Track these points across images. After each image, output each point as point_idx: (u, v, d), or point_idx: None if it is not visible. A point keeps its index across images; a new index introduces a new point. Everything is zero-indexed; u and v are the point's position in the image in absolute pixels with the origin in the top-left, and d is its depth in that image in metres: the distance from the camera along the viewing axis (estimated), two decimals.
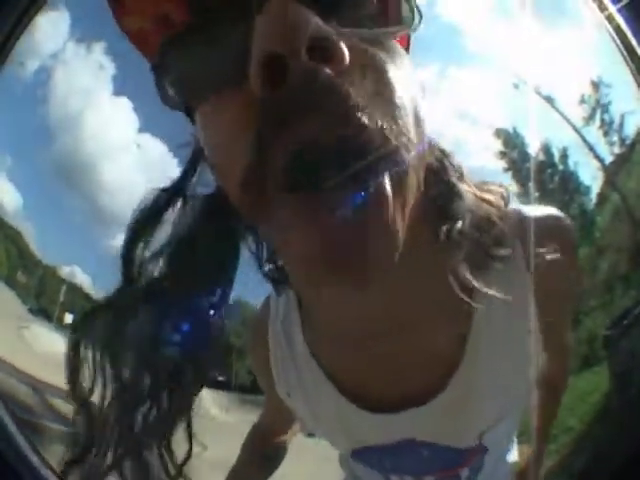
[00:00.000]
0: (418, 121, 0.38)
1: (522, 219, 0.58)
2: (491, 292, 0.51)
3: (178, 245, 0.58)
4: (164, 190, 0.59)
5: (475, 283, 0.50)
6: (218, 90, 0.38)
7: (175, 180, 0.60)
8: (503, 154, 2.99)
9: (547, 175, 3.02)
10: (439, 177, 0.52)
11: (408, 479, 0.77)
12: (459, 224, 0.50)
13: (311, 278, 0.40)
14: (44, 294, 3.49)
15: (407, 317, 0.54)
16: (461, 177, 0.56)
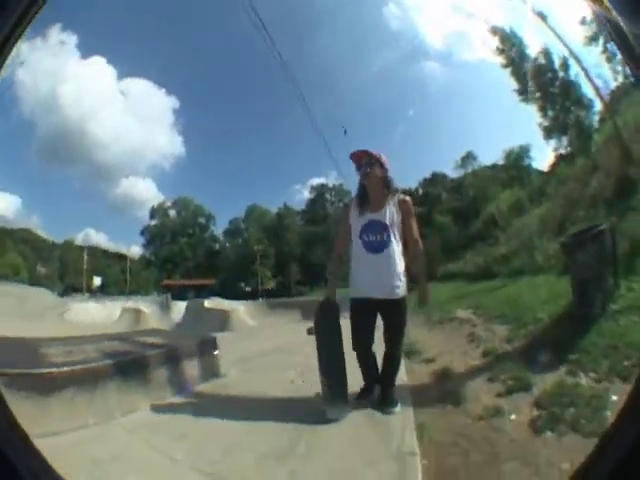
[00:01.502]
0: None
1: (401, 196, 3.33)
2: (390, 210, 3.23)
3: None
4: None
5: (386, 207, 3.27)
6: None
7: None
8: (501, 51, 9.46)
9: (547, 78, 8.10)
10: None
11: (371, 236, 3.26)
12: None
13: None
14: (67, 272, 12.11)
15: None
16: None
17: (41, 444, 2.33)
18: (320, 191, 44.41)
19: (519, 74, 16.40)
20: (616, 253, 3.87)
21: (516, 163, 22.14)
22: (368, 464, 2.53)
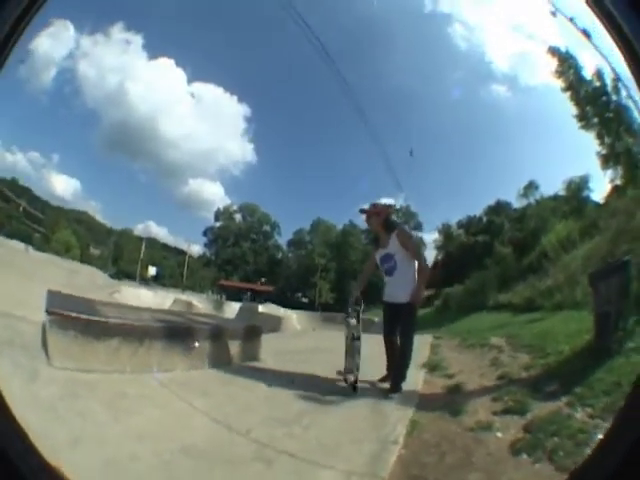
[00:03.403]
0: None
1: (398, 231, 4.35)
2: (393, 243, 4.27)
3: None
4: None
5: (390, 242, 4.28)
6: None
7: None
8: (560, 73, 8.47)
9: (602, 102, 7.54)
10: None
11: (385, 265, 4.44)
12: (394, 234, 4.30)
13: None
14: (121, 258, 12.51)
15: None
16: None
17: (77, 377, 3.21)
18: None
19: (578, 98, 15.00)
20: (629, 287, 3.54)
21: (576, 194, 20.52)
22: (353, 442, 2.76)
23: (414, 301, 4.10)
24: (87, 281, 9.64)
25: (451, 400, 3.54)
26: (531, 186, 25.53)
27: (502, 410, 3.07)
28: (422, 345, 6.15)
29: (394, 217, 4.50)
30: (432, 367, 4.81)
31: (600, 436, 2.21)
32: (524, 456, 2.35)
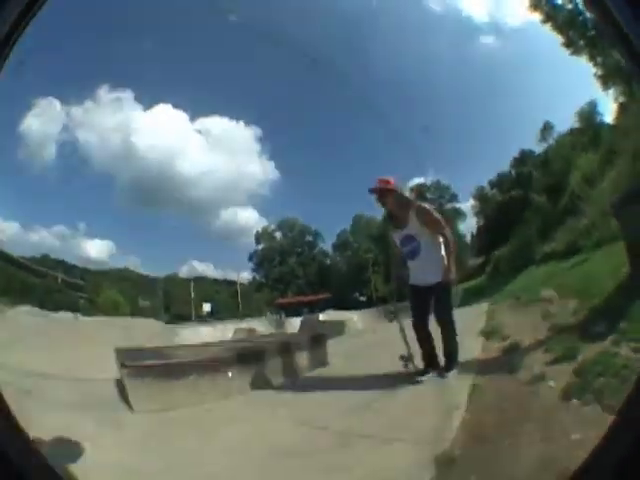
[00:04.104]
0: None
1: (417, 206, 3.85)
2: (412, 222, 3.79)
3: None
4: None
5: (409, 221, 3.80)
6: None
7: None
8: (534, 7, 9.27)
9: (580, 22, 7.63)
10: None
11: (406, 248, 3.95)
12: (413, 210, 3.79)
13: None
14: (173, 303, 13.89)
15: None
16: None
17: (161, 416, 3.43)
18: (420, 192, 40.20)
19: (558, 26, 13.95)
20: None
21: (589, 122, 18.81)
22: (420, 415, 2.97)
23: (448, 280, 3.72)
24: (144, 333, 9.22)
25: (508, 360, 3.56)
26: (547, 127, 23.74)
27: (554, 359, 3.08)
28: (478, 314, 6.19)
29: (408, 192, 4.36)
30: (488, 333, 4.76)
31: None
32: (574, 401, 2.37)
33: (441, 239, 3.82)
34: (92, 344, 6.65)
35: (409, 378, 3.74)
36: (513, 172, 27.88)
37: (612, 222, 5.94)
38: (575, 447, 1.89)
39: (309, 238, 36.80)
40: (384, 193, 3.93)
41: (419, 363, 3.93)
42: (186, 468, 2.56)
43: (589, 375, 2.50)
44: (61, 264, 27.59)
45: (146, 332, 9.15)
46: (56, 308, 16.10)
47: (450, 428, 2.63)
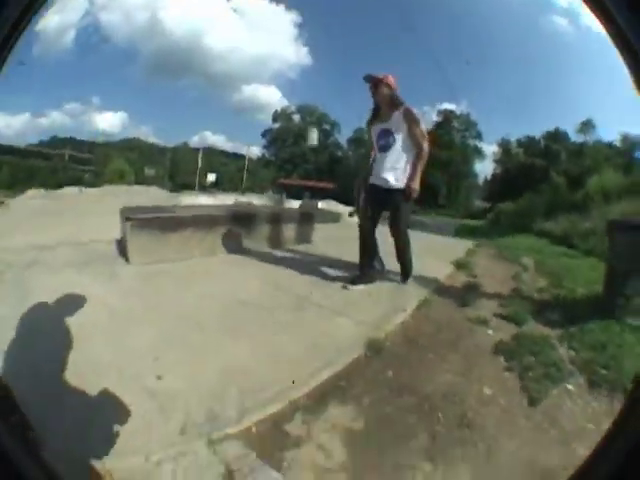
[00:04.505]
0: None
1: (405, 108, 3.29)
2: (396, 119, 3.28)
3: None
4: None
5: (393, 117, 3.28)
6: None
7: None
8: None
9: None
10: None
11: (381, 141, 3.40)
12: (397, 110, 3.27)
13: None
14: (178, 172, 11.20)
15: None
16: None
17: (153, 268, 3.57)
18: (447, 116, 34.57)
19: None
20: None
21: (629, 150, 17.79)
22: (372, 304, 3.08)
23: (411, 188, 3.28)
24: (146, 198, 8.42)
25: (464, 294, 3.50)
26: (588, 124, 22.00)
27: (502, 315, 2.99)
28: (462, 248, 6.06)
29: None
30: (460, 265, 4.62)
31: (569, 386, 2.08)
32: (501, 359, 2.31)
33: (415, 152, 3.33)
34: (94, 213, 6.64)
35: (341, 280, 3.58)
36: (542, 143, 25.98)
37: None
38: (482, 401, 1.90)
39: (326, 127, 35.70)
40: (379, 84, 3.40)
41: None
42: (163, 309, 2.69)
43: (523, 348, 2.40)
44: (70, 141, 26.15)
45: (149, 198, 8.54)
46: (60, 186, 15.07)
47: (390, 322, 2.70)
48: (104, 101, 27.34)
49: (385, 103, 3.42)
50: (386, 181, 3.34)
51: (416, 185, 3.28)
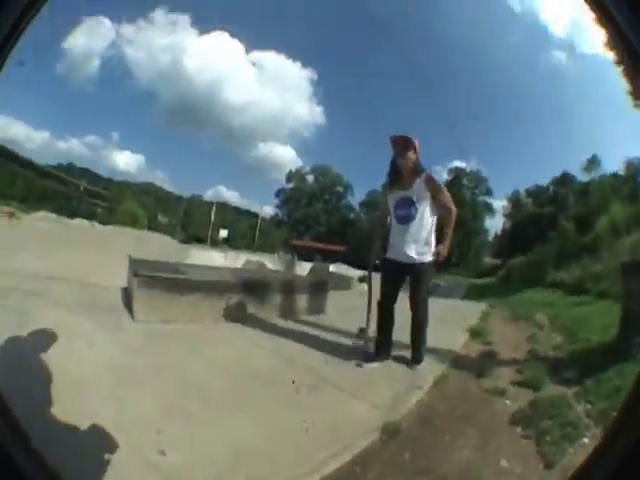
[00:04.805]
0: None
1: (427, 175, 3.16)
2: (418, 187, 3.10)
3: None
4: None
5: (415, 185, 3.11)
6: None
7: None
8: (611, 46, 2.71)
9: None
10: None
11: (400, 211, 3.21)
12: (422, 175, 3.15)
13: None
14: (191, 223, 11.46)
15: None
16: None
17: (159, 328, 3.40)
18: (458, 174, 35.03)
19: (629, 75, 11.72)
20: None
21: (633, 176, 17.27)
22: (390, 384, 2.97)
23: (441, 255, 3.17)
24: (157, 247, 8.59)
25: (480, 364, 3.46)
26: (594, 161, 20.75)
27: (519, 382, 2.96)
28: (475, 311, 5.98)
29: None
30: (475, 333, 4.58)
31: (585, 440, 2.08)
32: (518, 429, 2.28)
33: (434, 220, 3.25)
34: (104, 252, 6.45)
35: (357, 356, 3.36)
36: (551, 189, 26.01)
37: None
38: (499, 473, 1.88)
39: (339, 189, 34.96)
40: (409, 147, 3.21)
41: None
42: (168, 374, 2.58)
43: (540, 413, 2.38)
44: (86, 173, 25.58)
45: (159, 247, 8.59)
46: (73, 215, 15.13)
47: (407, 403, 2.65)
48: (123, 139, 27.07)
49: (408, 168, 3.25)
50: (408, 256, 3.15)
51: (446, 252, 3.19)
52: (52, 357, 2.23)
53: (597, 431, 2.08)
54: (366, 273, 3.91)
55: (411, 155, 3.20)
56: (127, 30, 25.19)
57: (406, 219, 3.21)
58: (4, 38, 0.71)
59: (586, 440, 2.02)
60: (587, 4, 0.75)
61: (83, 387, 2.08)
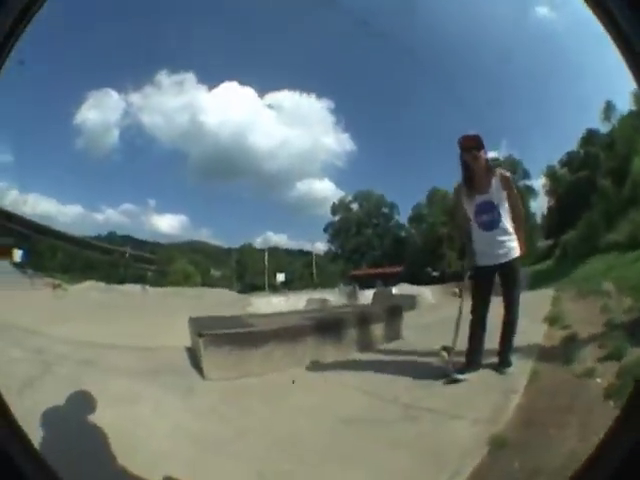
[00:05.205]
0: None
1: (501, 172, 3.10)
2: (495, 188, 3.01)
3: None
4: None
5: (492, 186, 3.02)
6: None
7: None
8: None
9: None
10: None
11: (484, 217, 3.11)
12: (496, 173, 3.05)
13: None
14: (246, 273, 11.92)
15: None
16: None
17: (234, 384, 3.21)
18: (496, 165, 35.20)
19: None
20: None
21: None
22: (481, 394, 2.93)
23: (524, 252, 3.18)
24: (216, 301, 8.34)
25: (565, 350, 3.46)
26: (609, 107, 19.39)
27: (604, 356, 2.97)
28: (545, 299, 5.90)
29: None
30: (552, 320, 4.56)
31: None
32: (611, 402, 2.32)
33: (517, 214, 3.24)
34: (161, 314, 6.24)
35: (447, 372, 3.18)
36: (581, 152, 24.87)
37: None
38: None
39: (385, 210, 34.40)
40: (479, 144, 3.06)
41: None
42: (253, 435, 2.36)
43: (627, 377, 2.41)
44: (128, 239, 25.48)
45: (218, 301, 8.35)
46: (122, 281, 15.16)
47: (507, 410, 2.59)
48: (160, 204, 27.21)
49: (482, 169, 3.11)
50: (499, 257, 3.12)
51: (524, 250, 3.22)
52: (117, 430, 2.05)
53: None
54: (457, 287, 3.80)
55: (483, 154, 3.08)
56: (135, 98, 25.66)
57: (491, 225, 3.12)
58: (4, 38, 0.70)
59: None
60: (587, 3, 0.74)
61: (161, 460, 1.91)
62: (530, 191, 30.61)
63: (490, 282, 3.21)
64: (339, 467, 2.02)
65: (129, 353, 3.76)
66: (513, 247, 3.11)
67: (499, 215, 3.08)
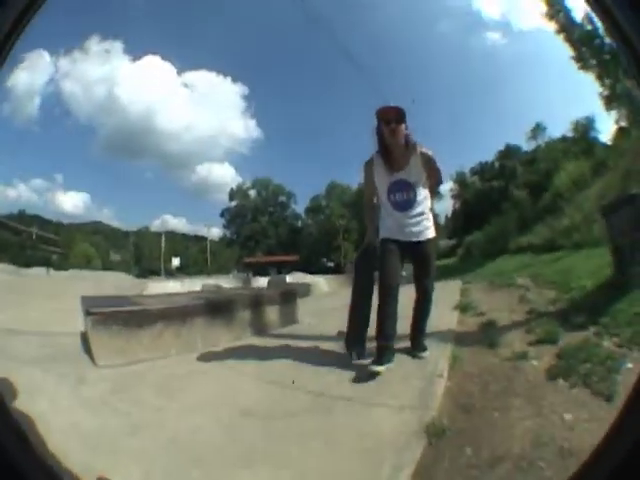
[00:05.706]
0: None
1: (422, 150, 2.78)
2: (414, 166, 2.75)
3: None
4: None
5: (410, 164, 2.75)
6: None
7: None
8: (550, 16, 7.54)
9: (597, 44, 6.66)
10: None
11: (397, 196, 2.82)
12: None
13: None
14: (143, 257, 10.61)
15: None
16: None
17: (124, 371, 2.96)
18: (414, 141, 37.70)
19: (572, 40, 12.47)
20: None
21: (583, 135, 18.33)
22: (403, 380, 2.62)
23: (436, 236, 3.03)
24: (113, 286, 8.54)
25: (486, 335, 3.43)
26: (538, 128, 22.94)
27: (535, 341, 3.00)
28: (453, 290, 6.06)
29: None
30: (464, 308, 4.61)
31: (629, 365, 2.17)
32: (560, 381, 2.28)
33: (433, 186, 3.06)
34: (60, 297, 6.21)
35: (359, 368, 2.84)
36: (496, 164, 27.51)
37: (595, 227, 5.93)
38: (569, 427, 1.82)
39: (282, 199, 35.01)
40: (401, 117, 2.76)
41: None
42: (147, 433, 2.06)
43: (573, 360, 2.41)
44: (37, 219, 26.19)
45: (115, 285, 8.52)
46: (29, 264, 15.93)
47: (435, 395, 2.39)
48: (67, 180, 27.66)
49: (401, 145, 2.84)
50: (412, 235, 2.86)
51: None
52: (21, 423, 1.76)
53: (636, 354, 2.23)
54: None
55: (403, 129, 2.80)
56: (64, 63, 25.51)
57: (405, 205, 2.87)
58: (4, 37, 0.72)
59: (630, 365, 2.13)
60: (587, 3, 0.75)
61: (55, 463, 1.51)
62: (436, 193, 33.31)
63: (400, 257, 2.87)
64: (247, 470, 1.72)
65: (31, 340, 3.68)
66: (429, 227, 2.93)
67: (415, 195, 2.85)
